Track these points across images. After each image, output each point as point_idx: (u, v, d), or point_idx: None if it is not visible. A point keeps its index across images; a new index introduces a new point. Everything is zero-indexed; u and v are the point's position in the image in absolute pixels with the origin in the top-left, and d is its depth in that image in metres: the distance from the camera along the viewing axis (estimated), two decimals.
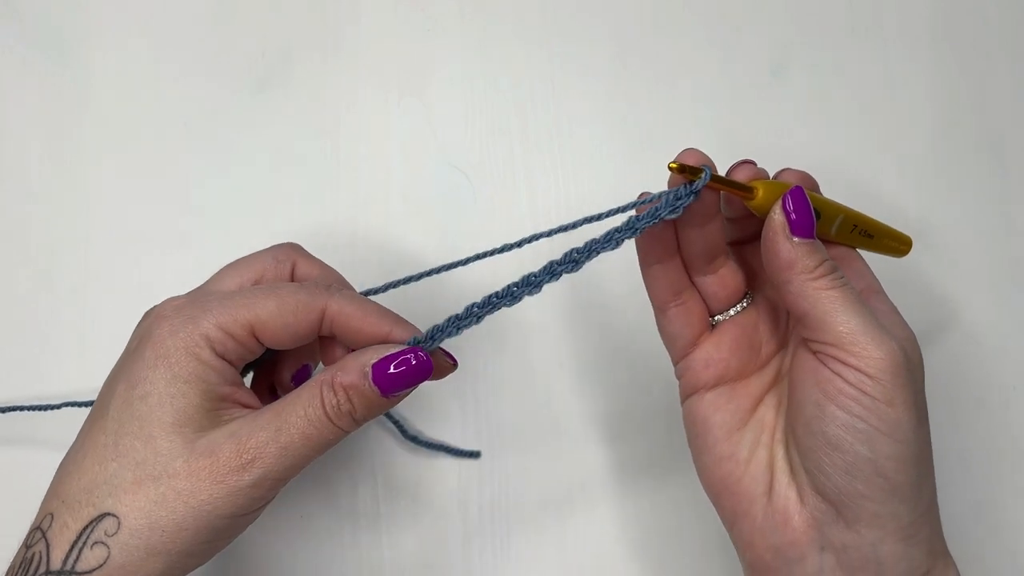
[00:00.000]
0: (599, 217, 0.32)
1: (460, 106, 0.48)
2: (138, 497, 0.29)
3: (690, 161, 0.30)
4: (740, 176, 0.32)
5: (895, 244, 0.39)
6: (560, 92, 0.49)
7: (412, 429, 0.44)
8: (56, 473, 0.32)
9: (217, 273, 0.35)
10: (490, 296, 0.31)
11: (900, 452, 0.29)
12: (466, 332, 0.31)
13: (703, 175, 0.30)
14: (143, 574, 0.29)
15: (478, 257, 0.35)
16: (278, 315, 0.32)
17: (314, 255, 0.37)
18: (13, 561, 0.30)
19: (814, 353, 0.31)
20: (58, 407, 0.42)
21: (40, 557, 0.29)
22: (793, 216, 0.30)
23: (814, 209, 0.31)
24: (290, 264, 0.35)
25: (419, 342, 0.32)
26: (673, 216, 0.30)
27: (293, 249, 0.36)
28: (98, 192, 0.47)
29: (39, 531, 0.30)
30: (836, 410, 0.29)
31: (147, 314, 0.34)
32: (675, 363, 0.35)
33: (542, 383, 0.45)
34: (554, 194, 0.47)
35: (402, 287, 0.38)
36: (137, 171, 0.47)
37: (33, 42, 0.49)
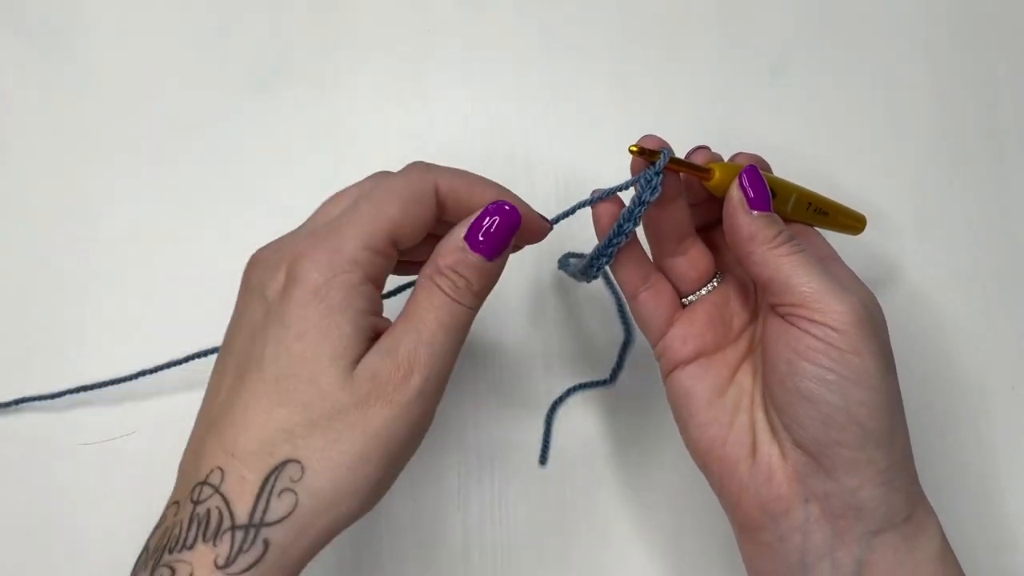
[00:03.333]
0: (571, 212, 0.36)
1: (460, 106, 0.48)
2: (315, 438, 0.29)
3: (650, 145, 0.33)
4: (697, 159, 0.35)
5: (849, 222, 0.41)
6: (560, 92, 0.49)
7: None
8: (207, 424, 0.31)
9: (325, 203, 0.35)
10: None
11: (871, 399, 0.31)
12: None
13: (662, 156, 0.33)
14: (331, 516, 0.29)
15: None
16: (406, 211, 0.31)
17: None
18: (176, 518, 0.29)
19: (782, 316, 0.32)
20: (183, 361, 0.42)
21: (220, 512, 0.28)
22: (750, 192, 0.33)
23: (769, 187, 0.34)
24: (431, 184, 0.34)
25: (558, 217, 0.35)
26: (655, 196, 0.33)
27: (426, 169, 0.34)
28: (98, 192, 0.47)
29: (208, 486, 0.29)
30: (807, 364, 0.31)
31: (263, 255, 0.33)
32: (653, 345, 0.37)
33: (541, 382, 0.45)
34: (554, 194, 0.47)
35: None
36: (137, 171, 0.47)
37: (33, 42, 0.49)
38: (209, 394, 0.32)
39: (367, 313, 0.31)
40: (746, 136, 0.48)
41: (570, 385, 0.45)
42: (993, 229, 0.48)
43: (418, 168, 0.33)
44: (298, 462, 0.28)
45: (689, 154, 0.36)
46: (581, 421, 0.45)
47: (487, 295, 0.32)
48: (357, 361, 0.30)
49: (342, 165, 0.47)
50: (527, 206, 0.33)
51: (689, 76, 0.49)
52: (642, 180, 0.33)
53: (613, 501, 0.44)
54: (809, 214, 0.38)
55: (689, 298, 0.37)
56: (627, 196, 0.35)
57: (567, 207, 0.36)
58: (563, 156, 0.48)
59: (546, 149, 0.48)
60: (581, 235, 0.41)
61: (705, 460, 0.35)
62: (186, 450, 0.32)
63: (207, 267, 0.45)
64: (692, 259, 0.36)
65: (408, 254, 0.34)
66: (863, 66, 0.50)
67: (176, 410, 0.44)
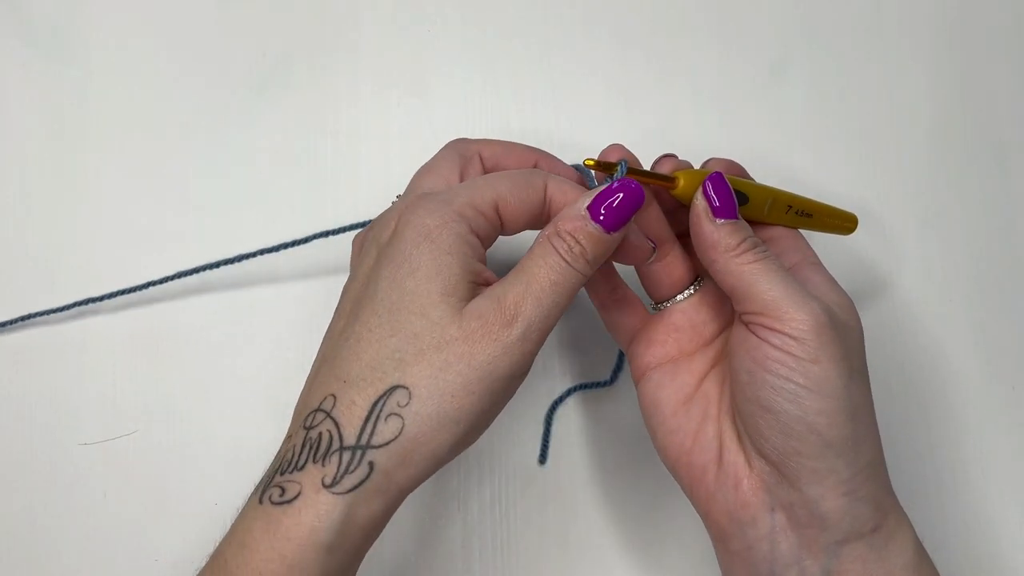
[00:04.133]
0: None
1: (460, 106, 0.48)
2: (423, 366, 0.30)
3: (611, 157, 0.34)
4: (664, 168, 0.35)
5: (838, 222, 0.41)
6: (560, 92, 0.49)
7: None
8: (321, 362, 0.33)
9: (414, 179, 0.37)
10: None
11: (830, 407, 0.30)
12: None
13: (619, 169, 0.33)
14: (435, 444, 0.30)
15: None
16: (515, 191, 0.33)
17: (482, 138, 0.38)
18: (291, 443, 0.31)
19: (746, 325, 0.33)
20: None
21: (330, 435, 0.30)
22: (714, 200, 0.33)
23: (740, 192, 0.34)
24: (477, 156, 0.37)
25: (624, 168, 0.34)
26: None
27: (466, 143, 0.38)
28: (98, 192, 0.47)
29: (321, 412, 0.30)
30: (765, 374, 0.31)
31: (381, 216, 0.35)
32: (625, 351, 0.38)
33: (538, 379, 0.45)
34: None
35: None
36: (137, 171, 0.47)
37: (33, 42, 0.48)
38: (327, 333, 0.34)
39: (474, 259, 0.32)
40: (746, 136, 0.48)
41: (570, 385, 0.45)
42: (992, 229, 0.48)
43: (532, 171, 0.35)
44: (406, 388, 0.30)
45: (656, 162, 0.36)
46: (581, 421, 0.45)
47: (598, 266, 0.33)
48: (465, 300, 0.31)
49: (341, 165, 0.47)
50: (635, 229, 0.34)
51: (689, 76, 0.49)
52: None
53: (613, 501, 0.44)
54: (791, 217, 0.38)
55: (665, 303, 0.37)
56: None
57: None
58: (563, 156, 0.48)
59: (546, 149, 0.48)
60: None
61: (674, 467, 0.35)
62: (302, 391, 0.33)
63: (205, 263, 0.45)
64: (667, 265, 0.37)
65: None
66: (863, 66, 0.50)
67: (176, 410, 0.44)
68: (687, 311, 0.37)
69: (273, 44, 0.49)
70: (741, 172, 0.37)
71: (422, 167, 0.37)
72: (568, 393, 0.44)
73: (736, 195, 0.34)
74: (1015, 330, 0.47)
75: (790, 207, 0.38)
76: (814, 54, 0.50)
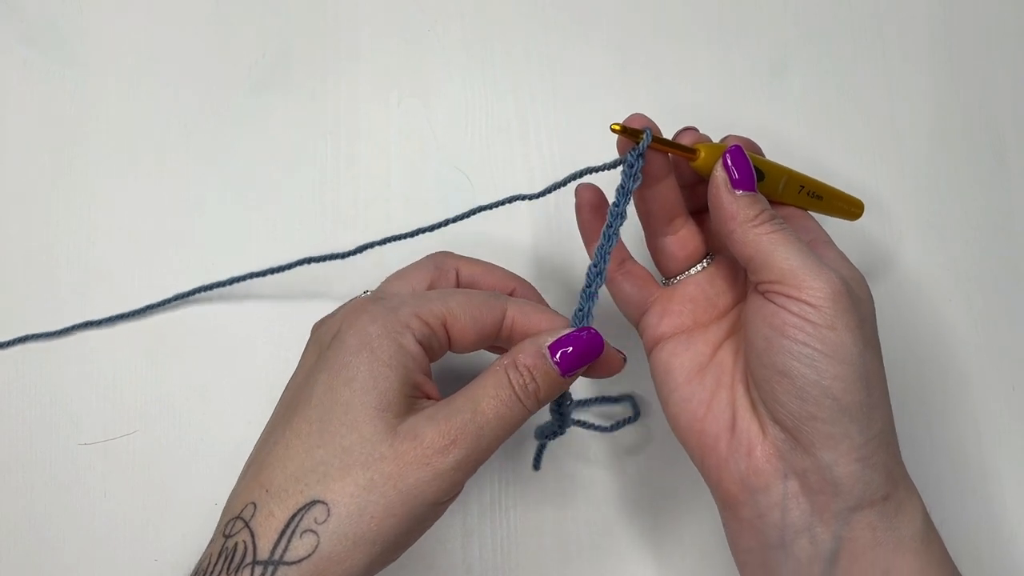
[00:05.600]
0: (564, 183, 0.37)
1: (460, 106, 0.48)
2: (347, 483, 0.29)
3: (635, 124, 0.33)
4: (684, 140, 0.35)
5: (846, 206, 0.41)
6: (560, 92, 0.49)
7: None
8: (251, 463, 0.32)
9: (384, 282, 0.37)
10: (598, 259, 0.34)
11: (846, 373, 0.31)
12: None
13: (644, 136, 0.33)
14: (349, 564, 0.29)
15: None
16: (468, 309, 0.33)
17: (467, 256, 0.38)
18: (209, 550, 0.30)
19: (762, 294, 0.33)
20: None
21: (245, 547, 0.29)
22: (733, 172, 0.33)
23: (758, 169, 0.34)
24: (453, 271, 0.37)
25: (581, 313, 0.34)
26: (637, 184, 0.33)
27: (451, 257, 0.38)
28: (98, 192, 0.47)
29: (240, 520, 0.30)
30: (783, 339, 0.31)
31: (325, 319, 0.35)
32: (635, 324, 0.38)
33: None
34: (554, 194, 0.47)
35: None
36: (137, 171, 0.47)
37: (33, 42, 0.48)
38: (261, 435, 0.33)
39: (416, 372, 0.32)
40: (745, 136, 0.48)
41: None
42: (992, 229, 0.48)
43: (492, 292, 0.36)
44: (325, 504, 0.29)
45: (677, 135, 0.36)
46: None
47: (544, 405, 0.33)
48: (401, 416, 0.31)
49: (341, 165, 0.47)
50: (606, 343, 0.34)
51: (689, 76, 0.49)
52: (625, 167, 0.33)
53: (612, 501, 0.44)
54: (803, 197, 0.38)
55: (677, 278, 0.37)
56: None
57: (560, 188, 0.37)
58: (564, 156, 0.48)
59: (546, 149, 0.48)
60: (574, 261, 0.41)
61: (685, 436, 0.35)
62: (232, 489, 0.32)
63: (206, 267, 0.45)
64: (681, 239, 0.37)
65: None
66: (863, 66, 0.50)
67: (176, 410, 0.44)
68: (701, 283, 0.37)
69: (272, 44, 0.49)
70: (757, 150, 0.38)
71: (396, 271, 0.37)
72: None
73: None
74: (1015, 330, 0.47)
75: (802, 187, 0.38)
76: (814, 54, 0.50)
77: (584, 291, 0.34)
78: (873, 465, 0.31)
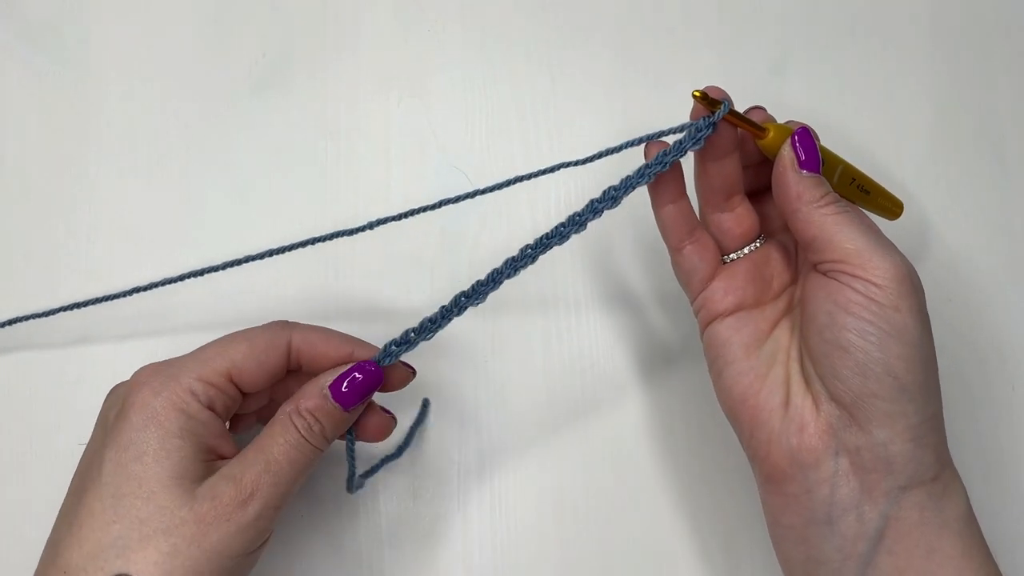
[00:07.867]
0: (617, 149, 0.37)
1: (460, 106, 0.48)
2: (149, 552, 0.30)
3: (714, 95, 0.33)
4: (754, 118, 0.36)
5: (888, 205, 0.41)
6: (560, 92, 0.49)
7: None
8: (47, 547, 0.32)
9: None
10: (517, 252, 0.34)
11: (908, 353, 0.31)
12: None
13: (722, 107, 0.33)
14: None
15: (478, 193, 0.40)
16: (251, 355, 0.34)
17: (307, 322, 0.37)
18: None
19: (824, 273, 0.33)
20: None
21: None
22: (801, 153, 0.34)
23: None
24: (286, 343, 0.36)
25: (394, 350, 0.34)
26: (696, 147, 0.34)
27: (285, 326, 0.37)
28: (98, 192, 0.47)
29: None
30: (847, 316, 0.32)
31: (116, 388, 0.35)
32: (693, 299, 0.38)
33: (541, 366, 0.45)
34: (554, 194, 0.47)
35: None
36: (137, 171, 0.47)
37: (33, 42, 0.49)
38: (56, 519, 0.33)
39: (208, 437, 0.33)
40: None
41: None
42: (992, 229, 0.48)
43: (277, 323, 0.36)
44: None
45: (747, 111, 0.36)
46: (577, 426, 0.45)
47: (336, 439, 0.35)
48: (198, 481, 0.31)
49: (341, 165, 0.47)
50: (395, 363, 0.35)
51: (689, 76, 0.49)
52: (692, 128, 0.34)
53: (612, 501, 0.44)
54: (852, 190, 0.39)
55: (732, 255, 0.38)
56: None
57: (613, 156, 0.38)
58: (564, 156, 0.48)
59: (546, 149, 0.48)
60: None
61: (738, 410, 0.35)
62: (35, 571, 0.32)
63: (206, 267, 0.45)
64: (738, 216, 0.37)
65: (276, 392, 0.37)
66: (863, 66, 0.50)
67: None
68: (758, 263, 0.37)
69: (272, 44, 0.49)
70: (817, 137, 0.38)
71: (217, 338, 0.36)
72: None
73: None
74: (1015, 330, 0.47)
75: (853, 180, 0.38)
76: (814, 54, 0.50)
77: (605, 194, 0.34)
78: (925, 445, 0.32)
